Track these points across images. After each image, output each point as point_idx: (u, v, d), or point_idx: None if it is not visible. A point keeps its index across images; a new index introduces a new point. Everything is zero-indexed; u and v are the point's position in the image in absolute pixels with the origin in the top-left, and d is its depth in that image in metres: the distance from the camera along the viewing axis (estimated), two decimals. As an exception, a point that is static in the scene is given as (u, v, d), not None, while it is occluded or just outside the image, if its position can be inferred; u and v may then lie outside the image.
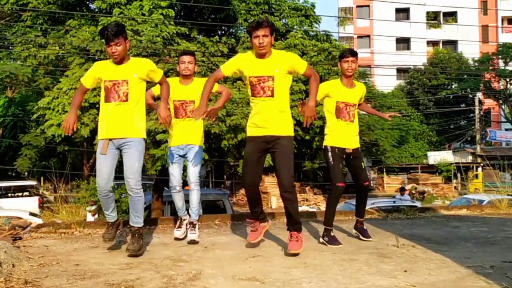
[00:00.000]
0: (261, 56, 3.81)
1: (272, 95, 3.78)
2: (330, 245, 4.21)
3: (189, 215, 4.54)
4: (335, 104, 4.37)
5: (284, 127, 3.87)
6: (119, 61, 3.82)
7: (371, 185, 30.53)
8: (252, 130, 3.89)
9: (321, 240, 4.36)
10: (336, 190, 4.29)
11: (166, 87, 3.97)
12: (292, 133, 3.96)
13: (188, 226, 4.50)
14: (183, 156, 4.51)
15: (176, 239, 4.48)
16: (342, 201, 17.97)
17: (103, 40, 3.93)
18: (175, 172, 4.47)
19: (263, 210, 4.24)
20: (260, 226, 4.12)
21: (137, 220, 3.88)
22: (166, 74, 11.79)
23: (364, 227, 4.61)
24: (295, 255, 3.79)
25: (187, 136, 4.47)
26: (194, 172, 4.45)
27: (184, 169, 4.58)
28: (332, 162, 4.31)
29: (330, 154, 4.34)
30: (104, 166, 3.81)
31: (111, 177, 3.85)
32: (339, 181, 4.25)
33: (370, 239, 4.49)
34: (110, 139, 3.80)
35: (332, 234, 4.34)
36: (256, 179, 3.95)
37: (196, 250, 4.07)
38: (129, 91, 3.79)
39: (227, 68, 3.94)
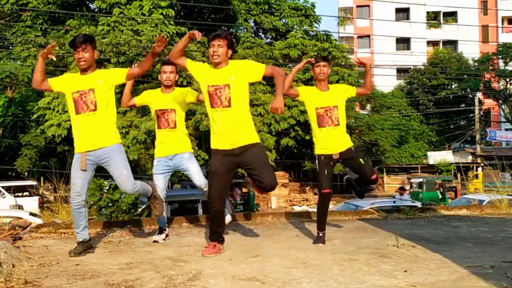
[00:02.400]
0: (216, 65, 3.78)
1: (229, 105, 3.70)
2: (316, 244, 4.30)
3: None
4: (315, 112, 4.34)
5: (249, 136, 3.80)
6: (86, 69, 3.81)
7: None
8: (215, 143, 3.81)
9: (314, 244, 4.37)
10: (322, 197, 4.37)
11: (137, 69, 3.96)
12: (258, 140, 3.87)
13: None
14: (173, 167, 4.50)
15: (155, 241, 4.43)
16: (341, 201, 17.99)
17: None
18: (159, 183, 4.44)
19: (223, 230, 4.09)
20: (217, 246, 3.93)
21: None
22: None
23: None
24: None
25: (174, 145, 4.46)
26: (200, 178, 4.46)
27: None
28: (318, 170, 4.37)
29: (317, 162, 4.40)
30: (78, 179, 3.79)
31: (84, 190, 3.84)
32: (324, 188, 4.29)
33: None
34: (87, 152, 3.77)
35: (320, 235, 4.39)
36: (223, 195, 3.90)
37: (196, 250, 4.06)
38: (97, 99, 3.77)
39: (192, 65, 3.90)
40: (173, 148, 4.46)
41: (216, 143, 3.80)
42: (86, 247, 3.92)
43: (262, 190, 3.88)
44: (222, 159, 3.77)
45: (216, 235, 3.94)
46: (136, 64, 4.07)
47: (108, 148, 3.79)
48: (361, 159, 4.47)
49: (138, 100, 4.59)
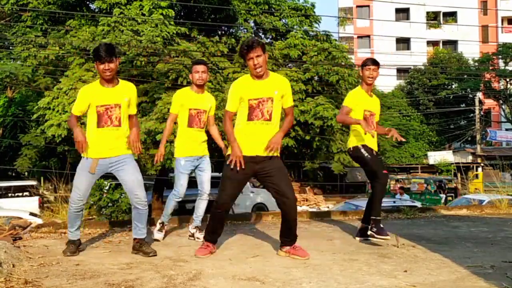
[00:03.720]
0: (259, 77, 3.70)
1: (270, 119, 3.69)
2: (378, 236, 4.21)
3: (194, 221, 4.63)
4: (363, 114, 4.37)
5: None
6: (109, 80, 3.77)
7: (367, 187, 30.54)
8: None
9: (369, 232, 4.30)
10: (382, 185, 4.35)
11: (136, 119, 3.98)
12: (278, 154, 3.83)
13: (196, 230, 4.58)
14: (195, 168, 4.54)
15: (156, 240, 4.47)
16: (341, 201, 17.99)
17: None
18: (185, 183, 4.48)
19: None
20: (211, 246, 3.91)
21: (142, 231, 3.92)
22: (166, 75, 11.80)
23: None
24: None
25: (200, 147, 4.52)
26: (208, 182, 4.53)
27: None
28: (368, 158, 4.37)
29: (363, 150, 4.40)
30: (84, 183, 3.79)
31: (87, 194, 3.87)
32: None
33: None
34: (101, 158, 3.77)
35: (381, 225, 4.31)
36: (232, 202, 3.85)
37: (196, 250, 4.07)
38: (122, 115, 3.77)
39: (232, 104, 3.77)
40: (201, 150, 4.53)
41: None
42: (78, 244, 3.96)
43: (282, 204, 3.70)
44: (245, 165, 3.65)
45: (212, 237, 3.93)
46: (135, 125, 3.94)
47: (124, 155, 3.82)
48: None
49: (176, 110, 4.51)
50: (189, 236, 4.63)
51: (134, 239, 3.94)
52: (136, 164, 3.89)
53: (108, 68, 3.70)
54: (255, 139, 3.68)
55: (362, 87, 4.47)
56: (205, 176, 4.53)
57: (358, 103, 4.38)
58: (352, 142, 4.41)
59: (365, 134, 4.16)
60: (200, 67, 4.52)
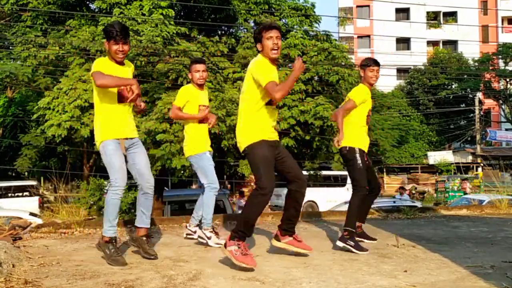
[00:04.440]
0: (274, 61, 3.64)
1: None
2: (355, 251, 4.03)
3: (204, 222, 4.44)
4: (366, 112, 4.45)
5: None
6: (122, 61, 3.76)
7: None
8: (265, 134, 3.65)
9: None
10: (363, 192, 4.30)
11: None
12: None
13: (214, 233, 4.41)
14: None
15: (218, 244, 4.22)
16: (341, 201, 17.96)
17: (103, 40, 3.87)
18: (214, 172, 4.53)
19: None
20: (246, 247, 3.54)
21: (147, 221, 3.82)
22: (166, 75, 11.82)
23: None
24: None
25: (208, 142, 4.62)
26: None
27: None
28: (359, 164, 4.36)
29: (358, 155, 4.37)
30: (122, 164, 3.66)
31: (126, 176, 3.73)
32: (365, 184, 4.33)
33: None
34: (125, 139, 3.74)
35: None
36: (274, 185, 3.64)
37: (196, 251, 4.07)
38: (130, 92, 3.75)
39: (271, 75, 3.58)
40: (209, 144, 4.64)
41: (265, 135, 3.60)
42: (117, 247, 3.70)
43: (294, 187, 3.67)
44: (270, 149, 3.59)
45: (250, 231, 3.57)
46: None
47: (137, 138, 3.86)
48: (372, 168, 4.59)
49: (181, 104, 4.54)
50: (187, 235, 4.59)
51: (139, 228, 3.78)
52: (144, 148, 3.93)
53: (122, 50, 3.64)
54: (272, 124, 3.71)
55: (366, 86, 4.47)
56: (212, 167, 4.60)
57: (366, 101, 4.39)
58: (349, 141, 4.33)
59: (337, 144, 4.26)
60: (200, 66, 4.55)
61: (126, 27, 3.78)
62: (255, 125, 3.61)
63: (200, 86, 4.59)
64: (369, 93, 4.45)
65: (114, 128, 3.68)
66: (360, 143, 4.35)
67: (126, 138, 3.73)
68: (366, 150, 4.41)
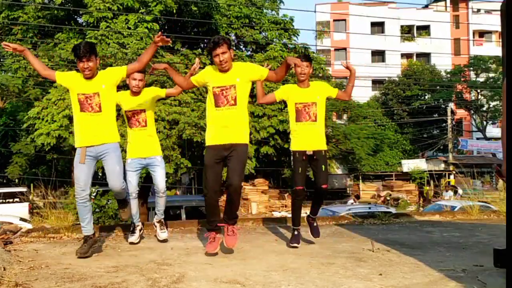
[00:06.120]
0: (225, 71, 3.93)
1: (235, 104, 3.91)
2: (292, 244, 4.43)
3: (156, 215, 4.81)
4: (294, 107, 4.41)
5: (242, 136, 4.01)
6: (91, 77, 3.90)
7: (347, 191, 30.84)
8: (213, 139, 3.99)
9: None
10: (295, 194, 4.46)
11: (137, 63, 4.08)
12: (247, 141, 4.09)
13: (157, 225, 4.76)
14: (144, 166, 4.65)
15: (132, 243, 4.56)
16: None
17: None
18: (133, 180, 4.58)
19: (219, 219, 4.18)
20: (217, 237, 4.10)
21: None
22: (150, 86, 11.82)
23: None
24: (232, 251, 4.05)
25: (147, 148, 4.59)
26: (163, 182, 4.65)
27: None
28: (293, 167, 4.48)
29: (292, 158, 4.51)
30: (82, 174, 3.89)
31: (88, 184, 3.93)
32: (298, 185, 4.42)
33: (316, 238, 4.65)
34: (87, 147, 3.87)
35: (295, 233, 4.51)
36: (216, 186, 4.02)
37: (180, 254, 4.11)
38: (101, 102, 3.89)
39: (197, 78, 4.08)
40: (148, 151, 4.65)
41: (213, 140, 3.95)
42: (91, 243, 3.99)
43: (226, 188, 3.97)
44: (214, 153, 3.94)
45: (213, 224, 4.07)
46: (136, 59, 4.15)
47: (108, 144, 3.94)
48: (323, 165, 4.43)
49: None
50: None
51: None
52: (119, 154, 4.00)
53: (87, 67, 3.82)
54: (226, 125, 3.98)
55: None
56: (157, 176, 4.67)
57: (288, 97, 4.45)
58: (291, 145, 4.49)
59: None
60: (138, 75, 4.46)
61: (90, 45, 3.94)
62: (208, 132, 4.04)
63: (135, 94, 4.57)
64: (293, 89, 4.45)
65: (78, 136, 3.93)
66: (298, 145, 4.39)
67: (92, 146, 3.88)
68: (310, 147, 4.36)
